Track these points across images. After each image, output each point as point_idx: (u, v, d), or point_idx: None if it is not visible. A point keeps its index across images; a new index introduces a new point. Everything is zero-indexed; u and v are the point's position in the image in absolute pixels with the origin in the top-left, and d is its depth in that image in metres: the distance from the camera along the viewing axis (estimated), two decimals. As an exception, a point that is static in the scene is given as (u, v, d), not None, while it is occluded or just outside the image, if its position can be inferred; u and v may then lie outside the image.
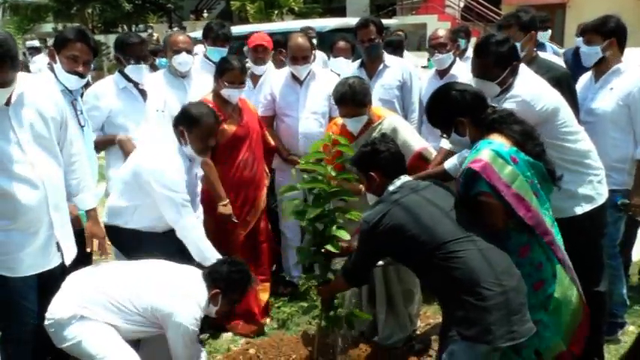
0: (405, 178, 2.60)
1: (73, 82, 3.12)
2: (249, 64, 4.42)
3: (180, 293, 2.78)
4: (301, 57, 4.06)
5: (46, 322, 2.66)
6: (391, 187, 2.56)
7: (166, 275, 2.88)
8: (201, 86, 3.97)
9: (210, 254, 3.13)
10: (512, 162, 2.34)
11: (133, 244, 3.15)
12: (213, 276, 2.91)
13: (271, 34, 4.81)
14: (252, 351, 3.50)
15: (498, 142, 2.40)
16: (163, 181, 3.01)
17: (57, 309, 2.68)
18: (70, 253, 2.76)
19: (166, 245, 3.11)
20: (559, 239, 2.47)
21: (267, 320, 3.95)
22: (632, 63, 3.47)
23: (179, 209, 3.05)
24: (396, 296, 3.50)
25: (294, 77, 4.17)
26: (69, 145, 2.77)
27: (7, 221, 2.50)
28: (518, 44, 3.06)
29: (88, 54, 3.14)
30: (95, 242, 3.02)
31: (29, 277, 2.59)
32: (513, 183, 2.32)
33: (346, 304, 3.41)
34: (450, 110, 2.52)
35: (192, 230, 3.13)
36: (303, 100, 4.12)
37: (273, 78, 4.34)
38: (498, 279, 2.24)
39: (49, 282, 2.70)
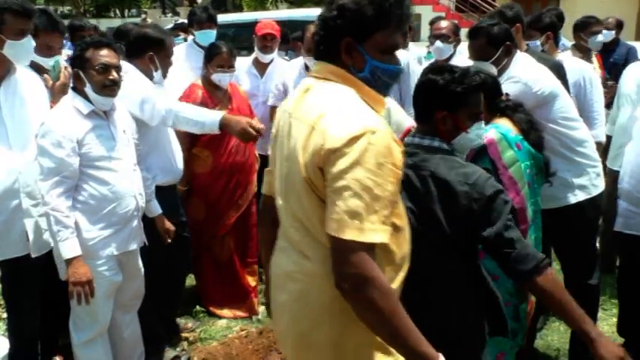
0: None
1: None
2: (256, 52, 4.46)
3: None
4: None
5: None
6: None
7: None
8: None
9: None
10: (517, 148, 2.41)
11: None
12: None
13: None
14: (247, 337, 3.51)
15: (506, 127, 2.47)
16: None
17: None
18: (38, 246, 2.67)
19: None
20: (536, 236, 2.51)
21: (261, 308, 3.88)
22: (569, 55, 3.53)
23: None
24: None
25: (308, 69, 4.15)
26: None
27: None
28: None
29: (61, 40, 3.07)
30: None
31: None
32: (510, 167, 2.39)
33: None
34: None
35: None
36: None
37: (285, 69, 4.35)
38: None
39: (19, 270, 2.68)
